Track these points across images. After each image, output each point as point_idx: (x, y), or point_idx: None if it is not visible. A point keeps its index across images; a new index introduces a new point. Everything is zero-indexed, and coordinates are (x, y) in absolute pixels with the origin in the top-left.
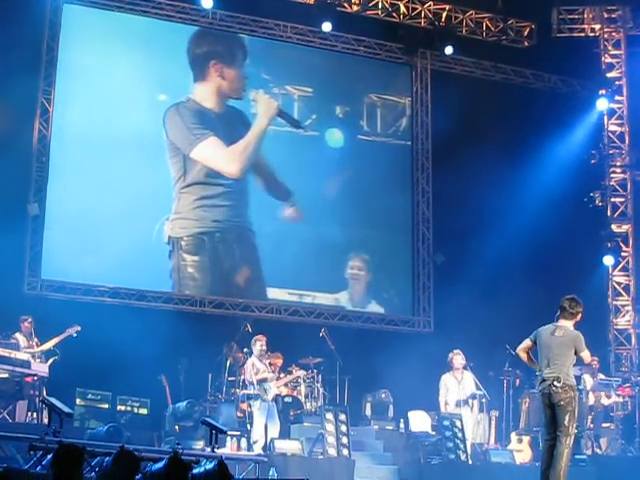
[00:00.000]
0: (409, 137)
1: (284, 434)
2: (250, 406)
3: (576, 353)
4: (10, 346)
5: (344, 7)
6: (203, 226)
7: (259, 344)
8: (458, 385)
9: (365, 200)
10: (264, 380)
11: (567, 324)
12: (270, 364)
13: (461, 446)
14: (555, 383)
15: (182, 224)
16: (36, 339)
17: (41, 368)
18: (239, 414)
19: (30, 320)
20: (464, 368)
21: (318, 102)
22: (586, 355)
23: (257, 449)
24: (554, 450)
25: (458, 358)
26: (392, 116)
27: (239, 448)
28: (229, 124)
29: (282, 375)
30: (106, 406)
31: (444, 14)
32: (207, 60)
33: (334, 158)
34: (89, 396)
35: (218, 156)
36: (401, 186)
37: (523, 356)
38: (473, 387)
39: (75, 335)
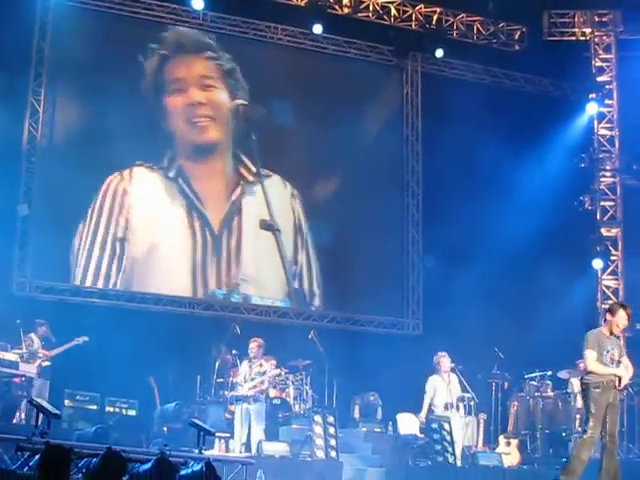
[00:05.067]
0: (399, 138)
1: (272, 436)
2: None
3: None
4: (26, 343)
5: (335, 9)
6: None
7: (250, 346)
8: (446, 387)
9: (355, 203)
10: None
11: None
12: (260, 365)
13: (449, 449)
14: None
15: None
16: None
17: (29, 369)
18: (227, 415)
19: (44, 324)
20: (451, 370)
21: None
22: (585, 355)
23: (237, 452)
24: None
25: (445, 360)
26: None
27: (227, 450)
28: None
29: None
30: (94, 407)
31: (435, 17)
32: None
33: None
34: (77, 397)
35: None
36: (391, 188)
37: None
38: (459, 389)
39: (81, 343)
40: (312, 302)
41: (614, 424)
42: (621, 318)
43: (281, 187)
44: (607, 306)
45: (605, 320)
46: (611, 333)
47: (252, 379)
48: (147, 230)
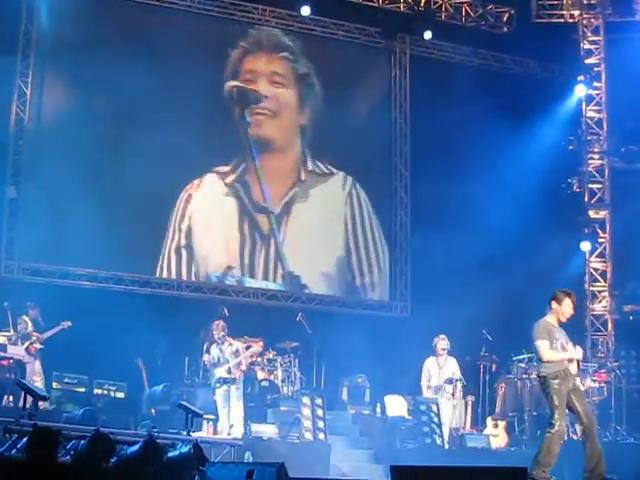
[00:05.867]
0: (387, 121)
1: (260, 418)
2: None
3: None
4: (20, 326)
5: None
6: None
7: (214, 331)
8: (439, 370)
9: None
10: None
11: (545, 315)
12: (230, 344)
13: (437, 431)
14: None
15: None
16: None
17: (17, 351)
18: (216, 398)
19: (35, 307)
20: (448, 353)
21: None
22: (537, 346)
23: (225, 434)
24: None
25: (442, 343)
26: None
27: (215, 432)
28: None
29: (259, 359)
30: (83, 390)
31: None
32: None
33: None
34: (66, 380)
35: None
36: (379, 171)
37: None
38: (457, 372)
39: (66, 328)
40: (306, 286)
41: (586, 407)
42: (567, 306)
43: (339, 186)
44: (552, 294)
45: (550, 309)
46: (558, 322)
47: (227, 361)
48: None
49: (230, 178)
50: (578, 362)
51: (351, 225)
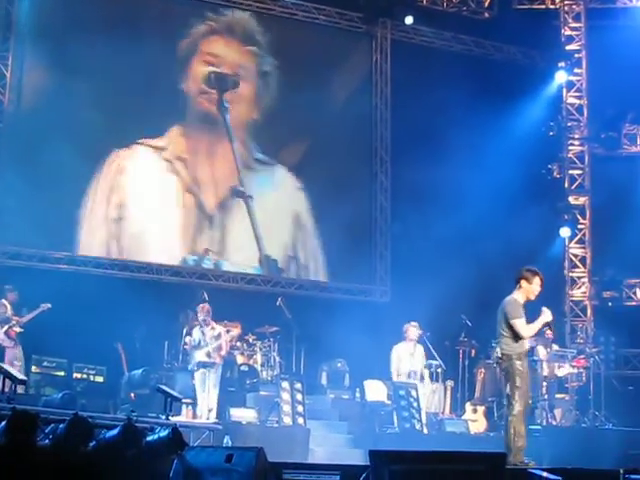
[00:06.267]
0: (368, 106)
1: (239, 402)
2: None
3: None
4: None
5: None
6: None
7: (198, 314)
8: (410, 357)
9: (323, 170)
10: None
11: (513, 294)
12: (212, 328)
13: (416, 415)
14: (497, 354)
15: None
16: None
17: None
18: (195, 382)
19: (13, 290)
20: (417, 341)
21: None
22: (515, 324)
23: (204, 418)
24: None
25: (413, 330)
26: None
27: (194, 416)
28: None
29: (238, 344)
30: (62, 374)
31: None
32: None
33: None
34: (45, 363)
35: None
36: (359, 156)
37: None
38: (423, 361)
39: (46, 310)
40: (283, 269)
41: (527, 390)
42: (537, 285)
43: (287, 178)
44: (519, 270)
45: (520, 287)
46: (525, 300)
47: (208, 344)
48: (141, 209)
49: (166, 153)
50: (550, 325)
51: (294, 216)
